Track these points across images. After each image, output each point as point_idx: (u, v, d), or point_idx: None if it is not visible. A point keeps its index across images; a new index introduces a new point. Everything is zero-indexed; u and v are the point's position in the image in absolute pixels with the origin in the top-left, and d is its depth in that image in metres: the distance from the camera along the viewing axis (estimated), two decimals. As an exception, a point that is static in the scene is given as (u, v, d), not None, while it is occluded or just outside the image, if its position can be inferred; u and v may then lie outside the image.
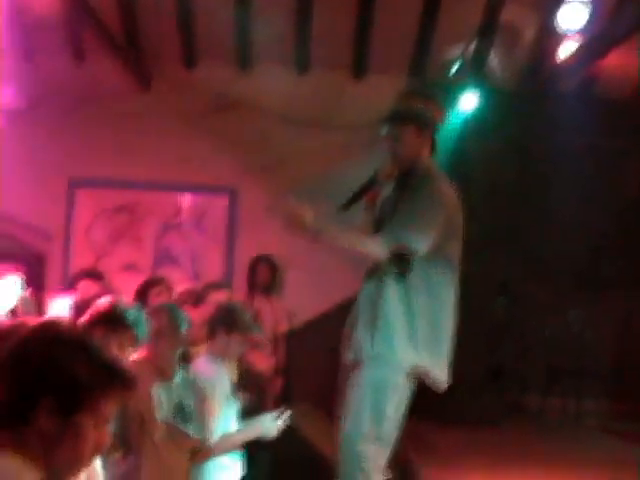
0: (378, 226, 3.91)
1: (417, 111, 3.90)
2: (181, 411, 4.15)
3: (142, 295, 5.72)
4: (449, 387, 3.91)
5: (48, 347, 1.99)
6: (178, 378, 4.22)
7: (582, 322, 8.35)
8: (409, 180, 3.86)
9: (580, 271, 8.71)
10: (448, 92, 8.07)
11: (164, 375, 4.15)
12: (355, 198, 3.92)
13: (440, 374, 3.85)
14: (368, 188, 3.93)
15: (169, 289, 5.95)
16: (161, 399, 4.07)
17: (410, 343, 3.75)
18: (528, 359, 8.47)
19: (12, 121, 8.27)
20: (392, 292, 3.74)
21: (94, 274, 6.59)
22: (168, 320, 4.27)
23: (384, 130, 3.94)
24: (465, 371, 4.26)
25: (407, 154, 3.89)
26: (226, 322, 4.95)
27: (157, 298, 5.62)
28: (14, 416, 1.93)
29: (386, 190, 4.03)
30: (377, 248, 3.72)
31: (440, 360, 3.84)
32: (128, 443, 3.88)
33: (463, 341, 3.96)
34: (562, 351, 8.24)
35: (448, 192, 3.85)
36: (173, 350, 4.23)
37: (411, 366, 3.77)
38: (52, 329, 2.06)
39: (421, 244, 3.69)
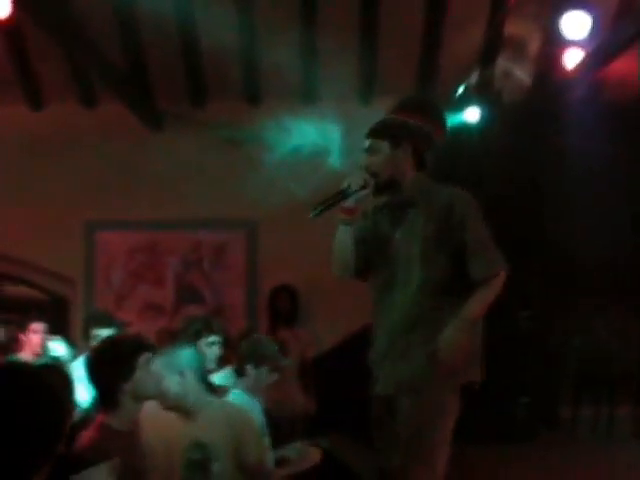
0: (382, 246, 3.90)
1: (393, 124, 3.87)
2: (203, 449, 4.05)
3: None
4: (480, 404, 3.89)
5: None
6: (206, 415, 4.14)
7: (608, 330, 8.32)
8: (416, 204, 3.84)
9: (603, 279, 8.69)
10: (454, 106, 8.10)
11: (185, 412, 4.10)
12: (325, 207, 3.79)
13: (476, 373, 3.83)
14: (339, 198, 3.83)
15: None
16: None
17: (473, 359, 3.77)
18: (557, 371, 8.43)
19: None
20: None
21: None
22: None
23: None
24: (495, 387, 4.25)
25: (380, 168, 3.83)
26: (253, 356, 4.99)
27: None
28: None
29: (375, 208, 4.00)
30: (494, 290, 3.74)
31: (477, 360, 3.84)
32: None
33: (490, 358, 3.95)
34: (590, 360, 8.21)
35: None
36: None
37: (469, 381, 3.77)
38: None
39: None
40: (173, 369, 4.05)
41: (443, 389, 3.71)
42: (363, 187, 3.80)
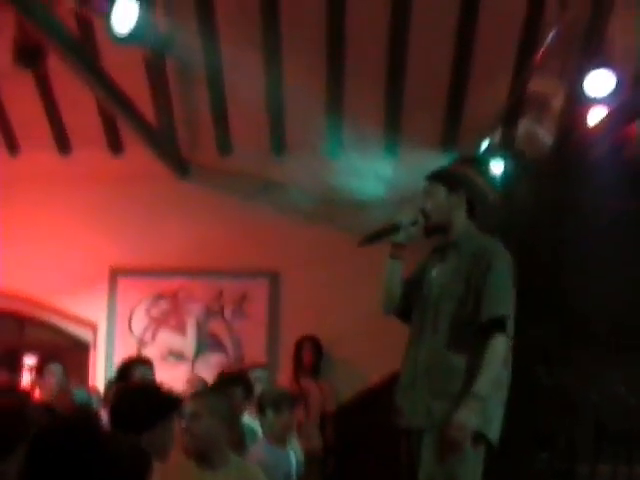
0: (421, 285, 4.02)
1: (453, 172, 4.10)
2: None
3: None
4: (498, 458, 3.91)
5: None
6: (231, 467, 4.18)
7: (627, 385, 8.28)
8: (457, 247, 3.99)
9: (621, 335, 8.66)
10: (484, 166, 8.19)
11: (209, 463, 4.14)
12: (375, 237, 4.03)
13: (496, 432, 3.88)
14: (389, 231, 4.03)
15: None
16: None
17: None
18: (575, 425, 8.38)
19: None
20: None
21: (145, 361, 6.65)
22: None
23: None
24: (513, 440, 4.26)
25: (434, 210, 4.03)
26: (273, 403, 5.05)
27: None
28: None
29: (431, 257, 4.10)
30: (500, 348, 3.80)
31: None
32: None
33: (509, 411, 3.97)
34: (609, 415, 8.16)
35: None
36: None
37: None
38: None
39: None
40: (208, 414, 4.10)
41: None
42: (413, 224, 4.00)
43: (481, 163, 4.35)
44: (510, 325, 3.83)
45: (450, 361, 3.84)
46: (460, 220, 4.05)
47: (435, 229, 4.07)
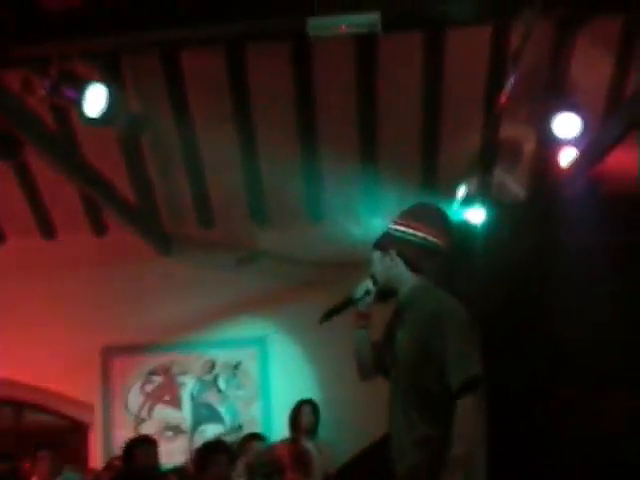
0: (391, 348, 3.99)
1: (382, 235, 4.08)
2: None
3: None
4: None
5: None
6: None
7: (623, 421, 8.27)
8: (410, 308, 3.95)
9: (614, 369, 8.67)
10: (455, 209, 8.27)
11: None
12: (332, 313, 4.01)
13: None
14: (345, 305, 4.03)
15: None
16: None
17: None
18: (571, 464, 8.36)
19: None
20: None
21: (150, 440, 6.72)
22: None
23: None
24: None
25: (378, 275, 4.02)
26: (265, 474, 5.10)
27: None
28: None
29: (393, 320, 4.10)
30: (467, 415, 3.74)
31: None
32: None
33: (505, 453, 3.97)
34: (603, 453, 8.14)
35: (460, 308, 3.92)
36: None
37: None
38: None
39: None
40: None
41: None
42: (367, 293, 3.99)
43: (426, 212, 4.20)
44: (481, 382, 3.82)
45: (422, 433, 3.84)
46: (403, 279, 4.00)
47: (386, 293, 4.05)
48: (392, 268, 4.01)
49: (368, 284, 4.02)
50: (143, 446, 6.40)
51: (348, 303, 4.03)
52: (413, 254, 4.01)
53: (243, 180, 8.72)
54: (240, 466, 6.06)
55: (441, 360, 3.78)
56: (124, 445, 6.52)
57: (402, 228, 4.04)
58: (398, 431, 3.94)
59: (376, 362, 4.13)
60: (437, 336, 3.80)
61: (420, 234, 4.01)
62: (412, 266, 4.02)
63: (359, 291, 4.01)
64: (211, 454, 5.91)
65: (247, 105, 8.06)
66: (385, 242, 4.05)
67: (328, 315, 3.99)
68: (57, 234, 9.38)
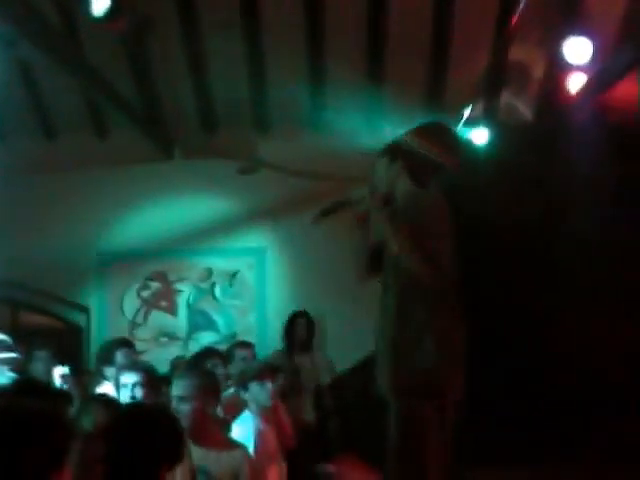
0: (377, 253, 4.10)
1: (393, 144, 4.13)
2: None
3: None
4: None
5: None
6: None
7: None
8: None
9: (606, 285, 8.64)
10: (460, 133, 8.21)
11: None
12: (327, 212, 4.13)
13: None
14: (341, 206, 4.15)
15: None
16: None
17: None
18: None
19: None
20: None
21: (127, 343, 6.76)
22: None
23: None
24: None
25: (379, 182, 4.08)
26: (255, 377, 5.17)
27: None
28: None
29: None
30: None
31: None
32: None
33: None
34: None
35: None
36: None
37: None
38: None
39: None
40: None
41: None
42: (364, 197, 4.08)
43: (443, 130, 4.25)
44: None
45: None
46: (402, 188, 4.07)
47: (385, 200, 4.10)
48: (396, 177, 4.06)
49: (366, 190, 4.09)
50: (122, 349, 6.43)
51: (344, 204, 4.13)
52: (419, 168, 4.06)
53: (247, 87, 8.62)
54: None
55: None
56: (101, 346, 6.73)
57: (414, 141, 4.05)
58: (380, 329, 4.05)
59: (371, 261, 4.18)
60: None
61: (430, 150, 4.05)
62: (416, 179, 4.05)
63: (356, 194, 4.12)
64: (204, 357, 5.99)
65: (254, 10, 7.93)
66: (394, 151, 4.09)
67: (323, 214, 4.10)
68: (57, 134, 9.27)
